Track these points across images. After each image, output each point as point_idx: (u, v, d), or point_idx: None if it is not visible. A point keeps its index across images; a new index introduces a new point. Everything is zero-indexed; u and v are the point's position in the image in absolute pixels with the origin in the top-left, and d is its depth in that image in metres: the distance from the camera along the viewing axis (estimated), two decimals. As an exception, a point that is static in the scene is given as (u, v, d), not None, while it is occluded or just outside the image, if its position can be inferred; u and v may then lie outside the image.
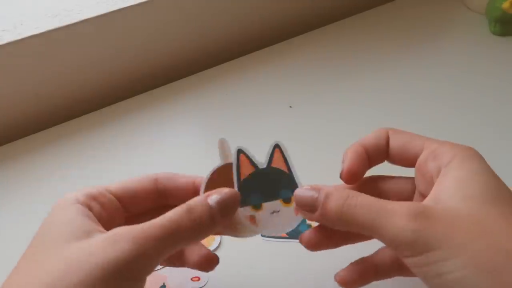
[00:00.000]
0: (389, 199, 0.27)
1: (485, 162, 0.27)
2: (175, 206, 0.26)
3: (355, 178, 0.30)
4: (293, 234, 0.39)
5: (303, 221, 0.40)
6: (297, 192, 0.28)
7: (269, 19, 0.63)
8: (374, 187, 0.31)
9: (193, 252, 0.31)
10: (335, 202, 0.26)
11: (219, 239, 0.39)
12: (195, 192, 0.30)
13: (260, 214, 0.29)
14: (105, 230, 0.26)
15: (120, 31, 0.53)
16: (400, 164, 0.31)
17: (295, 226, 0.30)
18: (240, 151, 0.29)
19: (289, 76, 0.57)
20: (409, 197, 0.31)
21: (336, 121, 0.50)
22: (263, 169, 0.30)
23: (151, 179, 0.30)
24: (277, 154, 0.30)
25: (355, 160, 0.30)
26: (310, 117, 0.51)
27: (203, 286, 0.36)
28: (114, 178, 0.46)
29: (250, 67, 0.58)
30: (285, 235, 0.39)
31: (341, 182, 0.31)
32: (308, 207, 0.27)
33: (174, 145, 0.49)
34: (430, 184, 0.27)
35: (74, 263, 0.23)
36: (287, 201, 0.30)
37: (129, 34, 0.54)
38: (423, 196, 0.28)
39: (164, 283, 0.36)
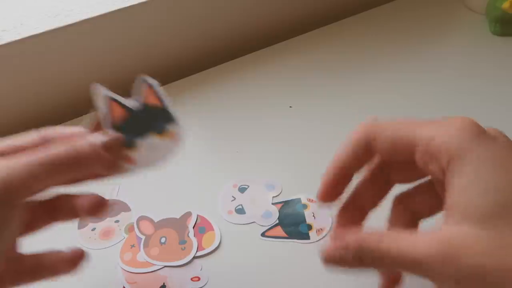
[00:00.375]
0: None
1: (483, 141, 0.24)
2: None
3: (330, 199, 0.29)
4: (293, 234, 0.39)
5: (303, 221, 0.40)
6: (323, 253, 0.27)
7: (269, 19, 0.63)
8: (384, 178, 0.30)
9: (82, 200, 0.29)
10: (363, 258, 0.25)
11: (219, 240, 0.39)
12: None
13: (136, 153, 0.30)
14: None
15: (120, 31, 0.53)
16: (395, 159, 0.28)
17: (174, 153, 0.30)
18: (110, 99, 0.30)
19: (289, 76, 0.57)
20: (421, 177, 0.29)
21: (336, 121, 0.50)
22: (136, 109, 0.30)
23: (35, 135, 0.30)
24: (148, 92, 0.30)
25: (326, 185, 0.29)
26: (310, 117, 0.51)
27: (203, 286, 0.36)
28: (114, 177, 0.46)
29: (250, 67, 0.58)
30: (285, 235, 0.39)
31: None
32: (339, 265, 0.27)
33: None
34: (442, 183, 0.25)
35: None
36: (160, 132, 0.30)
37: (129, 34, 0.54)
38: (440, 183, 0.25)
39: (164, 283, 0.36)
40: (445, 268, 0.22)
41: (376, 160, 0.29)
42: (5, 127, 0.51)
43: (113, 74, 0.56)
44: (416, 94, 0.53)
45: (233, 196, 0.42)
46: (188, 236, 0.39)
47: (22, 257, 0.29)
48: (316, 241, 0.39)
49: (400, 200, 0.31)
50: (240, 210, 0.41)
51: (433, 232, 0.23)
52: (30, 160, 0.25)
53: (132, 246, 0.39)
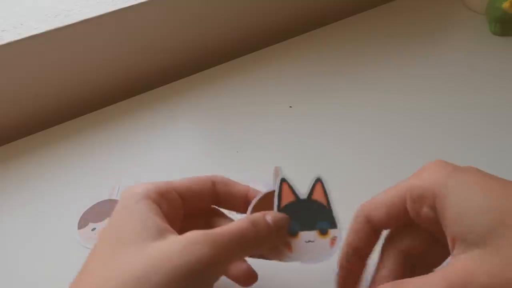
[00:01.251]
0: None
1: (455, 168, 0.26)
2: (223, 210, 0.31)
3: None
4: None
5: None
6: None
7: (269, 19, 0.63)
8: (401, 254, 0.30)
9: (235, 266, 0.31)
10: None
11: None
12: (246, 202, 0.32)
13: (296, 242, 0.31)
14: (174, 230, 0.27)
15: (120, 31, 0.53)
16: (396, 226, 0.30)
17: (329, 258, 0.31)
18: (283, 180, 0.31)
19: (289, 76, 0.57)
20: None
21: (336, 121, 0.50)
22: (303, 199, 0.31)
23: (210, 182, 0.32)
24: (318, 187, 0.31)
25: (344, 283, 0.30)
26: (310, 117, 0.51)
27: (203, 286, 0.36)
28: (114, 178, 0.46)
29: (250, 67, 0.58)
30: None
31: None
32: None
33: (174, 145, 0.49)
34: (438, 224, 0.26)
35: (154, 264, 0.24)
36: (323, 232, 0.31)
37: (129, 34, 0.54)
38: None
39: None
40: None
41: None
42: (5, 127, 0.52)
43: (113, 74, 0.56)
44: (416, 94, 0.53)
45: (233, 196, 0.42)
46: (188, 236, 0.39)
47: None
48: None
49: (390, 241, 0.30)
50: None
51: (442, 270, 0.24)
52: (231, 239, 0.26)
53: (132, 246, 0.39)
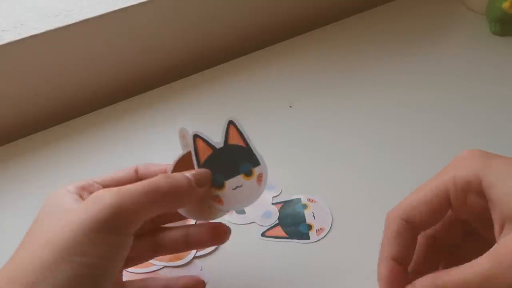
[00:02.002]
0: None
1: (490, 153, 0.26)
2: None
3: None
4: (293, 234, 0.39)
5: (303, 221, 0.40)
6: None
7: (269, 19, 0.63)
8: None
9: (198, 230, 0.31)
10: None
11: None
12: None
13: (224, 193, 0.30)
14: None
15: (120, 31, 0.53)
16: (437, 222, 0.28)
17: (258, 196, 0.30)
18: (195, 136, 0.30)
19: (289, 76, 0.57)
20: None
21: (336, 121, 0.50)
22: (220, 148, 0.30)
23: (132, 169, 0.32)
24: (232, 131, 0.30)
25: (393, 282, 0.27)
26: (310, 117, 0.51)
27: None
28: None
29: (250, 67, 0.58)
30: (285, 234, 0.39)
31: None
32: None
33: (174, 145, 0.49)
34: (481, 216, 0.26)
35: (59, 228, 0.25)
36: (248, 174, 0.30)
37: (129, 34, 0.54)
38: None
39: (164, 283, 0.36)
40: (503, 275, 0.22)
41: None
42: (5, 127, 0.52)
43: (113, 74, 0.56)
44: (416, 94, 0.53)
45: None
46: (188, 236, 0.39)
47: (126, 285, 0.31)
48: (316, 241, 0.39)
49: (427, 237, 0.30)
50: (240, 210, 0.41)
51: (489, 251, 0.24)
52: (137, 189, 0.26)
53: (132, 246, 0.39)
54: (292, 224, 0.40)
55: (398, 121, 0.50)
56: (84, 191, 0.29)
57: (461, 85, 0.54)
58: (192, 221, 0.38)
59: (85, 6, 0.51)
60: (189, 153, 0.30)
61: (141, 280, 0.32)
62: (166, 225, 0.33)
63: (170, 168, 0.31)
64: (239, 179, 0.30)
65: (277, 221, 0.40)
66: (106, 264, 0.24)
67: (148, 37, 0.55)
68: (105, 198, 0.25)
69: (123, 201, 0.25)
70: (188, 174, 0.29)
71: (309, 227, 0.40)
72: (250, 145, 0.30)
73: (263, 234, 0.39)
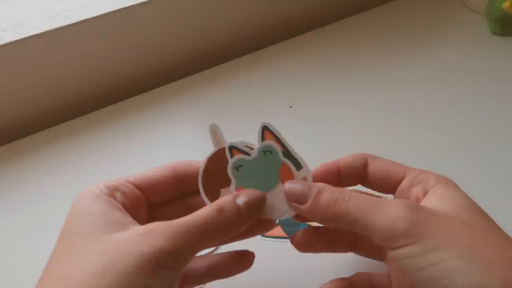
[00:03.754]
0: None
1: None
2: (192, 193, 0.30)
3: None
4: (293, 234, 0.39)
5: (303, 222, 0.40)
6: (288, 183, 0.28)
7: (269, 19, 0.63)
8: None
9: (221, 261, 0.32)
10: (328, 195, 0.27)
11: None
12: None
13: (267, 202, 0.29)
14: (135, 221, 0.27)
15: (120, 31, 0.53)
16: (379, 190, 0.31)
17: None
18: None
19: (289, 76, 0.57)
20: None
21: (336, 121, 0.50)
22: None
23: (169, 168, 0.31)
24: (268, 136, 0.29)
25: (322, 173, 0.30)
26: (310, 117, 0.51)
27: (203, 286, 0.36)
28: (114, 177, 0.46)
29: (250, 67, 0.58)
30: (285, 235, 0.39)
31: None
32: (298, 198, 0.28)
33: (174, 145, 0.49)
34: None
35: (116, 255, 0.24)
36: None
37: (129, 34, 0.54)
38: None
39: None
40: (408, 210, 0.25)
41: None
42: (5, 127, 0.52)
43: (113, 74, 0.56)
44: (416, 94, 0.53)
45: (233, 196, 0.42)
46: (188, 236, 0.39)
47: None
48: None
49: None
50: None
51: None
52: (192, 228, 0.26)
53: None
54: (292, 224, 0.40)
55: (398, 121, 0.50)
56: (117, 192, 0.29)
57: (461, 85, 0.54)
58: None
59: (85, 6, 0.51)
60: (220, 150, 0.30)
61: None
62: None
63: (202, 165, 0.30)
64: (281, 184, 0.29)
65: (277, 221, 0.40)
66: None
67: (148, 37, 0.55)
68: (164, 238, 0.25)
69: (180, 244, 0.25)
70: (241, 202, 0.27)
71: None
72: (289, 149, 0.29)
73: (263, 234, 0.39)
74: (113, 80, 0.56)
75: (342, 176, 0.31)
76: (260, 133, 0.29)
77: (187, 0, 0.55)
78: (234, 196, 0.28)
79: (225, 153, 0.29)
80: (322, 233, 0.32)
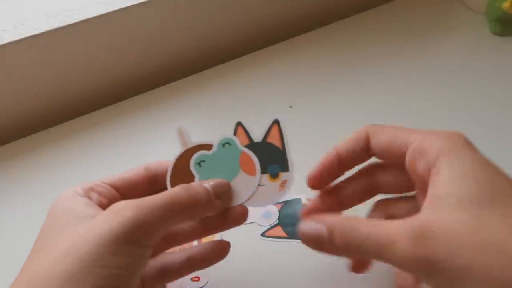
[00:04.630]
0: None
1: (474, 149, 0.26)
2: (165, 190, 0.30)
3: (319, 185, 0.31)
4: (293, 234, 0.39)
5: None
6: (302, 228, 0.28)
7: (269, 19, 0.63)
8: (371, 181, 0.31)
9: (200, 252, 0.32)
10: (339, 239, 0.26)
11: (219, 237, 0.39)
12: None
13: None
14: None
15: (120, 31, 0.53)
16: (388, 161, 0.30)
17: (277, 201, 0.31)
18: (238, 124, 0.31)
19: (289, 76, 0.57)
20: (408, 189, 0.30)
21: (336, 121, 0.50)
22: (257, 142, 0.31)
23: (142, 168, 0.32)
24: (274, 130, 0.31)
25: (320, 168, 0.30)
26: (310, 117, 0.51)
27: (203, 286, 0.36)
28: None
29: (250, 67, 0.58)
30: (285, 235, 0.39)
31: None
32: (314, 242, 0.27)
33: (174, 145, 0.49)
34: (423, 182, 0.26)
35: (79, 237, 0.25)
36: (274, 176, 0.31)
37: (129, 34, 0.54)
38: (424, 190, 0.27)
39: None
40: (415, 247, 0.23)
41: (368, 165, 0.31)
42: (5, 127, 0.52)
43: (113, 74, 0.56)
44: (416, 94, 0.53)
45: (233, 196, 0.42)
46: (188, 236, 0.39)
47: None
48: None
49: (380, 205, 0.32)
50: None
51: (409, 218, 0.24)
52: (157, 202, 0.26)
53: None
54: (292, 224, 0.40)
55: (398, 121, 0.50)
56: (92, 192, 0.29)
57: (461, 85, 0.54)
58: (194, 243, 0.38)
59: (85, 6, 0.51)
60: (187, 151, 0.31)
61: (161, 256, 0.33)
62: (168, 251, 0.33)
63: (170, 165, 0.31)
64: (264, 178, 0.31)
65: (277, 221, 0.40)
66: (127, 274, 0.25)
67: (148, 37, 0.55)
68: (126, 211, 0.25)
69: (144, 215, 0.25)
70: (207, 185, 0.29)
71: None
72: (286, 149, 0.31)
73: (263, 234, 0.39)
74: (113, 80, 0.56)
75: (344, 162, 0.30)
76: (269, 125, 0.31)
77: (187, 0, 0.55)
78: (201, 182, 0.30)
79: (191, 153, 0.31)
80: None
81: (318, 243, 0.27)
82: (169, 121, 0.52)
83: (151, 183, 0.32)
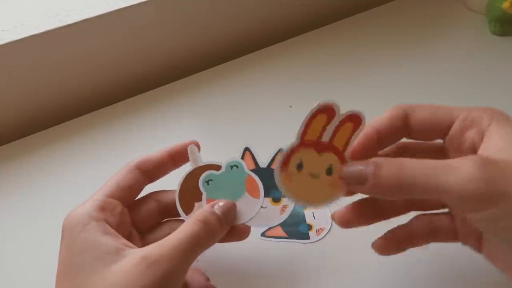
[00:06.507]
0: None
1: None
2: (155, 179, 0.33)
3: (358, 159, 0.30)
4: (293, 234, 0.39)
5: (303, 221, 0.40)
6: (345, 169, 0.27)
7: (269, 19, 0.63)
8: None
9: (193, 283, 0.33)
10: (388, 169, 0.25)
11: (219, 239, 0.39)
12: (172, 161, 0.34)
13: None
14: (129, 243, 0.28)
15: (120, 31, 0.53)
16: (426, 138, 0.30)
17: (276, 224, 0.33)
18: (246, 149, 0.33)
19: (289, 76, 0.57)
20: None
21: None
22: (262, 168, 0.33)
23: (133, 167, 0.33)
24: (278, 158, 0.32)
25: (361, 144, 0.30)
26: (310, 117, 0.51)
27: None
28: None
29: (250, 67, 0.58)
30: (285, 235, 0.39)
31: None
32: (358, 180, 0.26)
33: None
34: (468, 152, 0.27)
35: (112, 284, 0.25)
36: (276, 200, 0.33)
37: (129, 34, 0.54)
38: None
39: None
40: (482, 170, 0.23)
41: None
42: (5, 127, 0.52)
43: (113, 74, 0.56)
44: (416, 94, 0.53)
45: (233, 196, 0.42)
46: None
47: None
48: (316, 241, 0.39)
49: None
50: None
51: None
52: (182, 246, 0.27)
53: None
54: (292, 224, 0.40)
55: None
56: (106, 213, 0.29)
57: (461, 85, 0.54)
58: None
59: (85, 6, 0.51)
60: (196, 169, 0.33)
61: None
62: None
63: (179, 183, 0.33)
64: (267, 201, 0.33)
65: (277, 221, 0.40)
66: None
67: (148, 37, 0.55)
68: (159, 263, 0.26)
69: (177, 266, 0.27)
70: (218, 211, 0.30)
71: (309, 227, 0.40)
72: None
73: (263, 234, 0.39)
74: (113, 80, 0.56)
75: (382, 139, 0.30)
76: (274, 153, 0.33)
77: (187, 0, 0.55)
78: (211, 206, 0.31)
79: (200, 171, 0.33)
80: (363, 208, 0.31)
81: (361, 179, 0.26)
82: (169, 121, 0.52)
83: (145, 179, 0.33)
